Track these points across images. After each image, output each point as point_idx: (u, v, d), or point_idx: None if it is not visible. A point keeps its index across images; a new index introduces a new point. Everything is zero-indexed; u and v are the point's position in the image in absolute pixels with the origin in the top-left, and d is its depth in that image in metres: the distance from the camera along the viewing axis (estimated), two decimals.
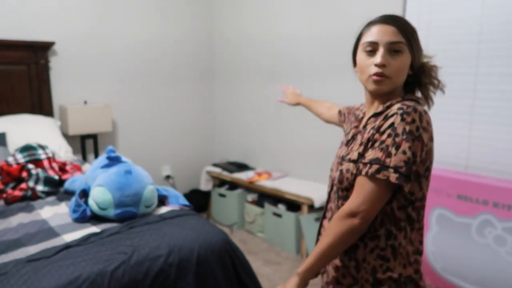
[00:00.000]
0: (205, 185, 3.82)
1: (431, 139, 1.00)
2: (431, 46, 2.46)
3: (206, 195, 3.91)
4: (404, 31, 1.05)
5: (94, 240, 1.58)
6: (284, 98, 1.81)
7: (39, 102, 3.02)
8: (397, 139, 0.94)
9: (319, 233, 1.20)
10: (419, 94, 1.16)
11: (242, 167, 3.66)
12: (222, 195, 3.63)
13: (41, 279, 1.31)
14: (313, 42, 3.09)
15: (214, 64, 4.09)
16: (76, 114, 3.00)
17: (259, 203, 3.39)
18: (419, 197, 1.04)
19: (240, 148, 3.94)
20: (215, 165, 3.77)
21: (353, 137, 1.11)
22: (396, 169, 0.94)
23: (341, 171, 1.06)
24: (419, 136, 0.95)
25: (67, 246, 1.52)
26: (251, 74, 3.69)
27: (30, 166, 2.25)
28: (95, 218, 1.80)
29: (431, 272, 2.43)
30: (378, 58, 1.02)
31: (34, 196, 2.12)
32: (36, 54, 2.95)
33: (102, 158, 1.96)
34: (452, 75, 2.40)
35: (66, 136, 3.04)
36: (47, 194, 2.17)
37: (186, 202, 2.04)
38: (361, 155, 1.02)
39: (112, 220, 1.78)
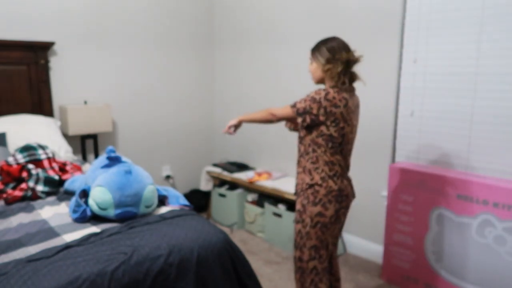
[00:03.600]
0: (205, 185, 3.82)
1: (335, 106, 1.74)
2: (431, 46, 2.46)
3: (206, 195, 3.91)
4: (312, 51, 1.88)
5: (94, 240, 1.58)
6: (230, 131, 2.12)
7: (39, 102, 3.02)
8: (305, 98, 1.79)
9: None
10: None
11: (242, 167, 3.66)
12: (222, 195, 3.63)
13: (41, 279, 1.31)
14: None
15: (215, 63, 4.09)
16: (76, 114, 3.00)
17: (259, 203, 3.39)
18: (327, 133, 1.79)
19: (240, 148, 3.94)
20: (215, 165, 3.77)
21: None
22: (295, 105, 1.81)
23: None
24: (318, 100, 1.74)
25: (67, 246, 1.52)
26: (252, 73, 3.70)
27: (30, 166, 2.25)
28: (95, 218, 1.80)
29: (431, 272, 2.43)
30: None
31: (34, 196, 2.12)
32: (36, 54, 2.95)
33: (102, 158, 1.96)
34: (452, 75, 2.40)
35: (66, 136, 3.04)
36: (47, 194, 2.17)
37: (186, 202, 2.03)
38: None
39: (112, 220, 1.78)
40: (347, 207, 1.90)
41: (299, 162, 1.93)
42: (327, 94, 1.74)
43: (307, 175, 1.86)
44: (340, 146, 1.82)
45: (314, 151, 1.82)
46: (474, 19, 2.27)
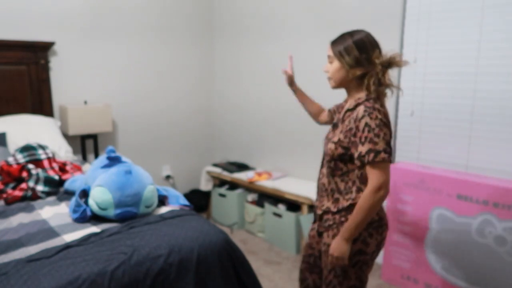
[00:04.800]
0: (205, 185, 3.82)
1: (388, 121, 1.42)
2: (431, 46, 2.46)
3: (206, 195, 3.91)
4: (333, 45, 1.49)
5: (94, 240, 1.58)
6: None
7: (39, 102, 3.02)
8: (375, 132, 1.36)
9: (318, 189, 1.62)
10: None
11: (242, 167, 3.66)
12: (222, 195, 3.63)
13: (41, 279, 1.31)
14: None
15: (215, 62, 4.10)
16: (76, 114, 3.00)
17: (259, 203, 3.39)
18: None
19: (240, 148, 3.94)
20: (215, 165, 3.77)
21: (336, 125, 1.56)
22: (384, 150, 1.37)
23: (328, 148, 1.51)
24: (385, 123, 1.39)
25: (67, 246, 1.52)
26: (252, 72, 3.70)
27: (30, 166, 2.25)
28: (95, 218, 1.80)
29: (431, 272, 2.43)
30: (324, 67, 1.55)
31: (34, 196, 2.12)
32: (36, 54, 2.95)
33: (102, 158, 1.96)
34: (452, 75, 2.40)
35: (66, 136, 3.04)
36: (47, 194, 2.17)
37: (186, 202, 2.03)
38: (340, 140, 1.47)
39: (112, 220, 1.78)
40: (386, 236, 1.59)
41: (333, 200, 1.53)
42: (379, 111, 1.39)
43: (339, 207, 1.51)
44: None
45: (358, 190, 1.46)
46: (474, 19, 2.27)
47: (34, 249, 1.53)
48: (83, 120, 3.04)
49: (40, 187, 2.15)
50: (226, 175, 3.56)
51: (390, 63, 1.43)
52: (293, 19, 3.24)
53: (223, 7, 3.89)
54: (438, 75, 2.46)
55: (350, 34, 1.47)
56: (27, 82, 2.96)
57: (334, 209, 1.51)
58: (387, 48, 2.63)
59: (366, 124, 1.37)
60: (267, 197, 3.35)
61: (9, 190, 2.14)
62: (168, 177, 3.90)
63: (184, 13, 3.80)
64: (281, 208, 3.14)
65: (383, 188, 1.37)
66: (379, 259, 2.82)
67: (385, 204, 2.67)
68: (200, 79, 4.03)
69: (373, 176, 1.37)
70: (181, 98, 3.91)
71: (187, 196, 3.84)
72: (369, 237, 1.48)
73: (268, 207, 3.23)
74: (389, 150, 1.37)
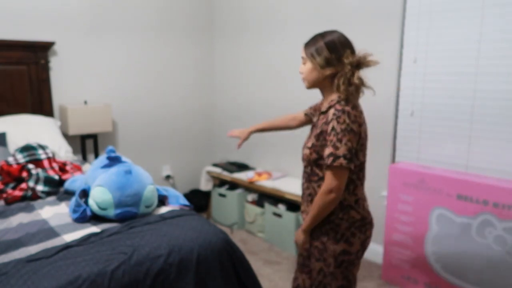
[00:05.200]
0: (205, 185, 3.82)
1: (360, 125, 1.44)
2: (431, 46, 2.46)
3: (206, 195, 3.91)
4: (306, 46, 1.51)
5: (94, 240, 1.58)
6: (239, 142, 2.03)
7: (39, 102, 3.02)
8: (338, 137, 1.39)
9: (302, 193, 1.65)
10: None
11: (242, 167, 3.66)
12: (222, 195, 3.63)
13: (41, 279, 1.31)
14: None
15: (215, 61, 4.10)
16: (76, 114, 3.00)
17: (259, 203, 3.39)
18: (357, 164, 1.48)
19: (240, 148, 3.94)
20: (215, 165, 3.77)
21: (311, 129, 1.59)
22: (344, 156, 1.39)
23: (303, 153, 1.55)
24: (351, 129, 1.40)
25: (67, 246, 1.52)
26: (253, 74, 3.70)
27: (30, 166, 2.25)
28: (95, 218, 1.80)
29: (431, 272, 2.43)
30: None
31: (34, 196, 2.12)
32: (36, 54, 2.95)
33: (102, 158, 1.96)
34: (452, 75, 2.40)
35: (66, 136, 3.05)
36: (47, 194, 2.17)
37: (186, 202, 2.03)
38: (313, 145, 1.49)
39: (112, 220, 1.78)
40: (371, 235, 1.60)
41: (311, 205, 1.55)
42: (348, 115, 1.40)
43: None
44: (364, 168, 1.55)
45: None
46: (474, 19, 2.27)
47: (34, 249, 1.53)
48: (83, 120, 3.04)
49: (40, 187, 2.15)
50: (226, 175, 3.56)
51: (360, 63, 1.43)
52: (294, 17, 3.23)
53: (223, 6, 3.89)
54: (438, 75, 2.46)
55: (322, 35, 1.48)
56: (27, 82, 2.96)
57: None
58: (387, 48, 2.65)
59: (333, 128, 1.40)
60: (267, 197, 3.35)
61: (9, 190, 2.14)
62: (168, 177, 3.90)
63: (184, 13, 3.80)
64: (281, 208, 3.14)
65: (333, 192, 1.42)
66: (379, 259, 2.83)
67: (385, 204, 2.67)
68: (200, 79, 4.03)
69: (327, 178, 1.43)
70: (181, 98, 3.91)
71: (187, 196, 3.84)
72: (352, 236, 1.52)
73: (268, 207, 3.23)
74: (348, 157, 1.39)
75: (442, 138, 2.49)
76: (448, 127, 2.45)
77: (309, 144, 1.52)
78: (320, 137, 1.47)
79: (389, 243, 2.62)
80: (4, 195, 2.08)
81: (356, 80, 1.42)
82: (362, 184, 1.56)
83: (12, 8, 2.87)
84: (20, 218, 1.84)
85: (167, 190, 2.10)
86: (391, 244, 2.61)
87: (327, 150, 1.41)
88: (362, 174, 1.54)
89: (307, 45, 1.51)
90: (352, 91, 1.44)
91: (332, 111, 1.43)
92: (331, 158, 1.39)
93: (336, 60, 1.44)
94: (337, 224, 1.51)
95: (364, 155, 1.52)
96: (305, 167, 1.58)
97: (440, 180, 2.33)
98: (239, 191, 3.57)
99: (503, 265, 2.13)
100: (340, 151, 1.38)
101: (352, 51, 1.46)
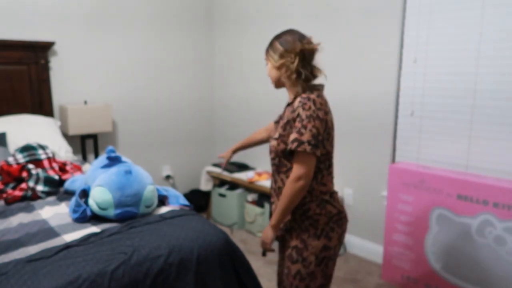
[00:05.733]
0: (205, 185, 3.82)
1: (326, 113, 1.44)
2: (431, 46, 2.46)
3: (206, 195, 3.91)
4: (266, 50, 1.55)
5: (94, 240, 1.58)
6: (224, 162, 2.02)
7: (39, 102, 3.02)
8: (303, 123, 1.39)
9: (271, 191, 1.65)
10: None
11: (242, 167, 3.66)
12: (222, 195, 3.63)
13: (41, 279, 1.31)
14: None
15: (215, 63, 4.10)
16: (76, 114, 3.00)
17: (259, 203, 3.39)
18: (323, 153, 1.47)
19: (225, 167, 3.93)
20: (215, 165, 3.77)
21: (277, 121, 1.61)
22: (309, 142, 1.38)
23: (271, 145, 1.54)
24: (317, 116, 1.40)
25: (67, 246, 1.52)
26: (253, 74, 3.70)
27: (30, 166, 2.25)
28: (95, 218, 1.80)
29: (431, 272, 2.43)
30: None
31: (34, 196, 2.11)
32: (36, 54, 2.95)
33: (102, 158, 1.96)
34: (452, 75, 2.40)
35: (66, 136, 3.05)
36: (47, 194, 2.17)
37: (186, 202, 2.03)
38: (280, 135, 1.49)
39: (112, 220, 1.78)
40: (346, 229, 1.61)
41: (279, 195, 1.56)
42: (314, 102, 1.41)
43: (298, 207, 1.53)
44: (331, 158, 1.54)
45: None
46: (474, 19, 2.27)
47: (34, 249, 1.53)
48: (83, 120, 3.04)
49: (40, 187, 2.15)
50: (226, 175, 3.56)
51: (304, 49, 1.44)
52: (294, 11, 3.23)
53: (224, 5, 3.89)
54: (438, 75, 2.46)
55: (277, 35, 1.53)
56: (27, 82, 2.96)
57: None
58: (387, 48, 2.65)
59: (298, 115, 1.41)
60: (267, 197, 3.35)
61: (9, 190, 2.14)
62: (168, 177, 3.90)
63: (184, 12, 3.80)
64: None
65: (302, 179, 1.41)
66: (379, 259, 2.83)
67: (385, 204, 2.67)
68: (200, 79, 4.03)
69: (295, 166, 1.42)
70: (181, 98, 3.91)
71: (187, 196, 3.84)
72: (331, 231, 1.52)
73: (268, 207, 3.23)
74: (313, 143, 1.38)
75: (442, 138, 2.49)
76: (448, 127, 2.45)
77: (276, 135, 1.52)
78: (287, 126, 1.47)
79: (389, 243, 2.62)
80: (4, 195, 2.08)
81: (296, 67, 1.45)
82: (330, 175, 1.55)
83: (12, 8, 2.87)
84: (20, 218, 1.84)
85: (167, 190, 2.10)
86: (391, 244, 2.61)
87: (292, 136, 1.42)
88: (329, 164, 1.53)
89: (267, 47, 1.55)
90: (307, 78, 1.47)
91: (298, 99, 1.45)
92: (295, 144, 1.39)
93: (285, 52, 1.47)
94: (316, 220, 1.51)
95: (332, 145, 1.51)
96: (273, 159, 1.56)
97: (440, 180, 2.33)
98: (239, 191, 3.57)
99: (503, 265, 2.13)
100: (304, 137, 1.38)
101: (307, 43, 1.47)
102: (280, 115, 1.59)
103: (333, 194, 1.56)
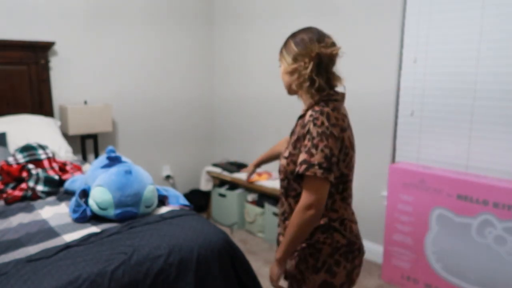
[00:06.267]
0: (205, 185, 3.82)
1: (342, 129, 1.22)
2: (431, 46, 2.46)
3: (206, 195, 3.91)
4: (280, 49, 1.33)
5: (94, 240, 1.58)
6: (251, 176, 1.89)
7: (39, 102, 3.02)
8: (314, 141, 1.17)
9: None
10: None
11: (242, 167, 3.66)
12: (222, 195, 3.63)
13: (41, 279, 1.31)
14: None
15: (215, 62, 4.10)
16: (76, 114, 3.00)
17: (259, 203, 3.39)
18: (337, 176, 1.24)
19: (240, 148, 3.94)
20: (215, 165, 3.77)
21: (290, 137, 1.35)
22: (320, 165, 1.16)
23: (280, 164, 1.34)
24: (330, 133, 1.18)
25: (67, 246, 1.52)
26: (253, 74, 3.70)
27: (30, 166, 2.25)
28: (95, 218, 1.80)
29: (431, 272, 2.43)
30: None
31: (34, 196, 2.12)
32: (36, 54, 2.95)
33: (102, 158, 1.96)
34: (452, 75, 2.40)
35: (66, 136, 3.04)
36: (47, 194, 2.17)
37: (186, 202, 2.03)
38: (290, 154, 1.28)
39: (112, 220, 1.78)
40: (360, 264, 1.36)
41: (285, 225, 1.35)
42: (328, 116, 1.19)
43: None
44: (348, 182, 1.31)
45: None
46: (474, 19, 2.27)
47: (34, 249, 1.53)
48: (83, 120, 3.04)
49: (40, 187, 2.15)
50: (226, 175, 3.56)
51: (321, 53, 1.22)
52: (296, 6, 3.22)
53: (224, 3, 3.90)
54: (438, 75, 2.46)
55: (292, 34, 1.31)
56: (27, 82, 2.96)
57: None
58: (387, 48, 2.65)
59: (309, 131, 1.19)
60: (267, 197, 3.35)
61: (9, 190, 2.14)
62: (168, 177, 3.90)
63: (184, 12, 3.80)
64: None
65: (313, 208, 1.18)
66: (379, 259, 2.82)
67: (385, 204, 2.67)
68: (201, 79, 4.03)
69: (304, 192, 1.19)
70: (181, 98, 3.91)
71: (187, 196, 3.84)
72: (336, 265, 1.28)
73: (268, 207, 3.23)
74: (325, 166, 1.16)
75: (442, 138, 2.49)
76: (448, 127, 2.45)
77: (286, 154, 1.30)
78: (297, 144, 1.25)
79: (389, 243, 2.62)
80: (4, 195, 2.08)
81: (310, 73, 1.23)
82: (344, 200, 1.32)
83: (12, 8, 2.87)
84: (20, 218, 1.84)
85: (167, 190, 2.10)
86: (391, 244, 2.61)
87: (301, 157, 1.19)
88: (344, 188, 1.30)
89: (281, 47, 1.34)
90: (319, 87, 1.24)
91: (309, 112, 1.23)
92: (304, 166, 1.17)
93: (300, 55, 1.25)
94: (318, 249, 1.28)
95: (349, 168, 1.29)
96: (282, 180, 1.34)
97: (440, 180, 2.33)
98: (239, 191, 3.57)
99: (503, 265, 2.13)
100: (315, 159, 1.16)
101: (325, 45, 1.24)
102: (293, 129, 1.35)
103: (344, 221, 1.31)
